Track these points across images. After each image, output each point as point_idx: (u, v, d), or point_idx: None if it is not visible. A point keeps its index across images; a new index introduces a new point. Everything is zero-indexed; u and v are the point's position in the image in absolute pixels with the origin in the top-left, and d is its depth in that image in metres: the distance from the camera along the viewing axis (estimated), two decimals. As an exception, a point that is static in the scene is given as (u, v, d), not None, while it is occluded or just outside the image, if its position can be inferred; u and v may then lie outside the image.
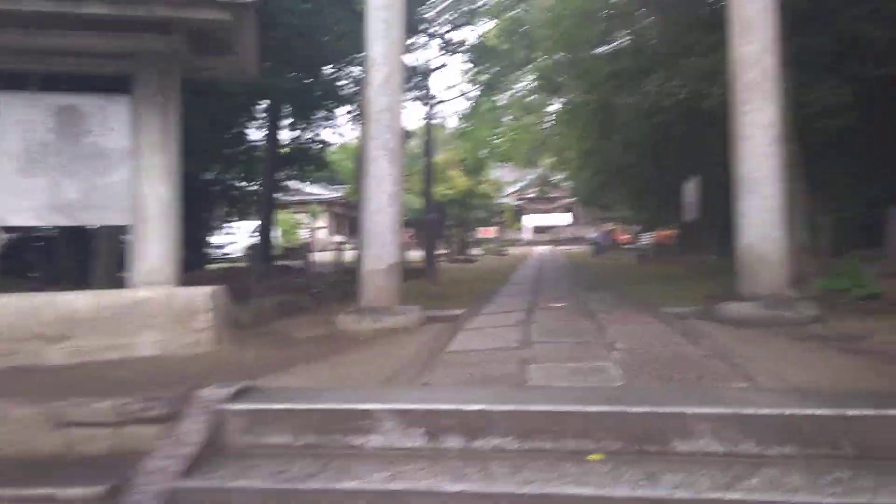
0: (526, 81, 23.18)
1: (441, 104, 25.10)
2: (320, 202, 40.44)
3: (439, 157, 34.46)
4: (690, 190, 16.71)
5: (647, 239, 19.75)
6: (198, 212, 15.31)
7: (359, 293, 6.07)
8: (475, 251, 33.55)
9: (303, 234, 48.80)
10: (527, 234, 61.77)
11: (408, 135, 14.54)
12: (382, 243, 5.90)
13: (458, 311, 6.90)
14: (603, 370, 3.45)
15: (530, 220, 62.94)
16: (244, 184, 16.60)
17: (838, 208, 10.89)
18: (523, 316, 6.02)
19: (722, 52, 9.38)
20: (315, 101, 15.39)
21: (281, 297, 8.21)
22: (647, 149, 15.93)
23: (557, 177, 57.24)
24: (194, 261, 15.57)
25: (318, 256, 27.46)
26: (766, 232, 5.46)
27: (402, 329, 5.62)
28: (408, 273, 14.14)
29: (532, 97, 28.37)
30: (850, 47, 9.69)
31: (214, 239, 22.47)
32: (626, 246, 20.98)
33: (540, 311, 6.52)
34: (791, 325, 4.96)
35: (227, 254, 28.46)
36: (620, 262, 19.83)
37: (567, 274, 14.74)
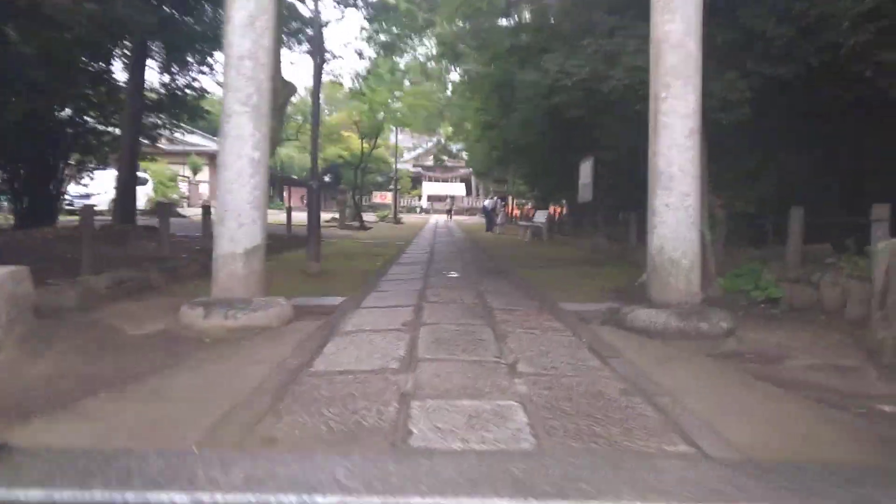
0: (427, 47, 22.04)
1: (336, 60, 23.46)
2: (201, 154, 37.13)
3: (334, 117, 32.75)
4: (585, 171, 16.55)
5: (540, 216, 19.57)
6: (44, 156, 13.10)
7: (212, 280, 4.94)
8: (370, 218, 32.40)
9: (182, 188, 45.16)
10: (423, 202, 61.24)
11: (291, 89, 13.09)
12: (240, 221, 4.80)
13: (336, 301, 5.95)
14: (507, 416, 2.67)
15: (427, 188, 62.40)
16: (103, 128, 14.43)
17: (731, 204, 10.93)
18: (411, 314, 5.17)
19: (623, 33, 8.94)
20: (189, 41, 13.54)
21: (126, 270, 6.81)
22: (545, 128, 15.50)
23: (455, 147, 57.19)
24: (43, 213, 13.38)
25: (193, 214, 25.23)
26: (681, 233, 4.93)
27: (260, 329, 4.59)
28: (291, 243, 12.92)
29: (432, 63, 27.43)
30: (750, 43, 9.57)
31: (74, 189, 19.87)
32: (520, 222, 20.76)
33: (430, 304, 5.71)
34: (705, 338, 4.47)
35: (91, 206, 25.27)
36: (514, 239, 19.58)
37: (461, 250, 14.11)
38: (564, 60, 12.08)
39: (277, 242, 12.63)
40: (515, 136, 16.43)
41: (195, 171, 48.95)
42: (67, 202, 24.29)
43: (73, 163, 14.73)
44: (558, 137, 16.05)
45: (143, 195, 28.23)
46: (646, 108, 5.37)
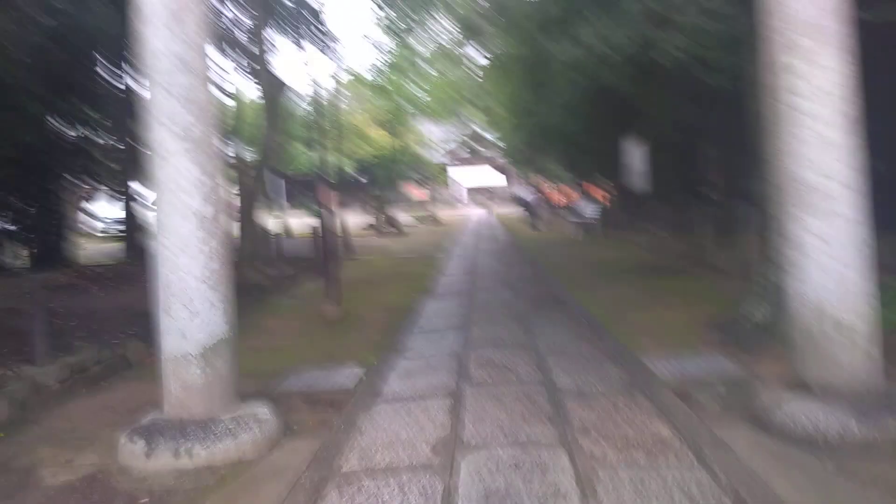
0: (450, 29, 20.39)
1: (347, 52, 22.02)
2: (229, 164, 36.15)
3: (356, 115, 31.42)
4: (635, 155, 14.67)
5: (588, 206, 17.75)
6: (36, 182, 12.00)
7: (162, 392, 3.51)
8: (406, 218, 31.03)
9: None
10: (461, 196, 59.62)
11: (280, 86, 11.59)
12: (193, 309, 3.34)
13: (350, 379, 4.50)
14: None
15: (464, 181, 60.70)
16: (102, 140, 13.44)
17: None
18: (446, 415, 3.64)
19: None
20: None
21: (91, 349, 5.45)
22: (588, 110, 13.68)
23: (489, 136, 55.28)
24: (46, 253, 12.37)
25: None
26: (850, 282, 3.23)
27: (229, 467, 3.14)
28: (319, 264, 11.59)
29: (458, 48, 25.79)
30: None
31: (109, 211, 19.06)
32: (570, 218, 18.99)
33: (474, 390, 4.15)
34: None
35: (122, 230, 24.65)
36: (564, 236, 17.84)
37: (507, 263, 12.49)
38: (606, 30, 10.34)
39: (301, 265, 11.32)
40: (555, 121, 14.62)
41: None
42: (102, 226, 23.70)
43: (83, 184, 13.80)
44: (604, 118, 14.24)
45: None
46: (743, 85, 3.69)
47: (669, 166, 14.63)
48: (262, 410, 3.56)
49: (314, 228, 15.56)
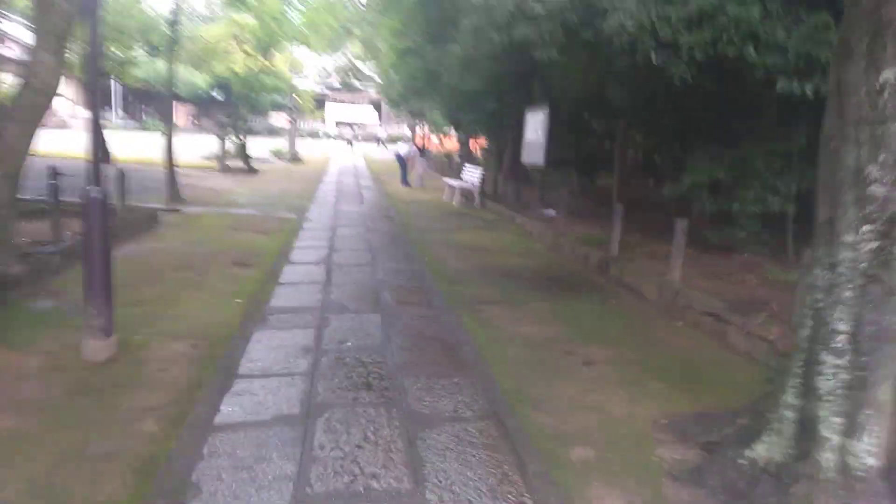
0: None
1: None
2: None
3: (212, 28, 26.73)
4: (535, 125, 12.91)
5: (471, 173, 15.86)
6: None
7: None
8: (263, 151, 27.31)
9: None
10: (329, 128, 55.56)
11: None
12: None
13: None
14: None
15: (333, 112, 56.60)
16: None
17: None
18: None
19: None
20: None
21: None
22: (484, 64, 11.55)
23: (366, 68, 51.42)
24: None
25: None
26: None
27: None
28: (134, 223, 8.54)
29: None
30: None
31: None
32: (447, 180, 16.96)
33: None
34: None
35: None
36: (438, 200, 15.84)
37: (372, 231, 10.27)
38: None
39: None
40: (445, 71, 12.30)
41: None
42: None
43: None
44: (505, 77, 12.23)
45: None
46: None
47: (572, 143, 13.09)
48: None
49: (168, 139, 12.08)
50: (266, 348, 4.59)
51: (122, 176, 9.76)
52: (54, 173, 7.77)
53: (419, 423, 3.49)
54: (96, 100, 4.38)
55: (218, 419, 3.43)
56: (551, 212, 12.42)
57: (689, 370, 4.58)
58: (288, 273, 7.06)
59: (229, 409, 3.56)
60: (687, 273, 6.58)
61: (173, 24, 12.73)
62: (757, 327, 4.78)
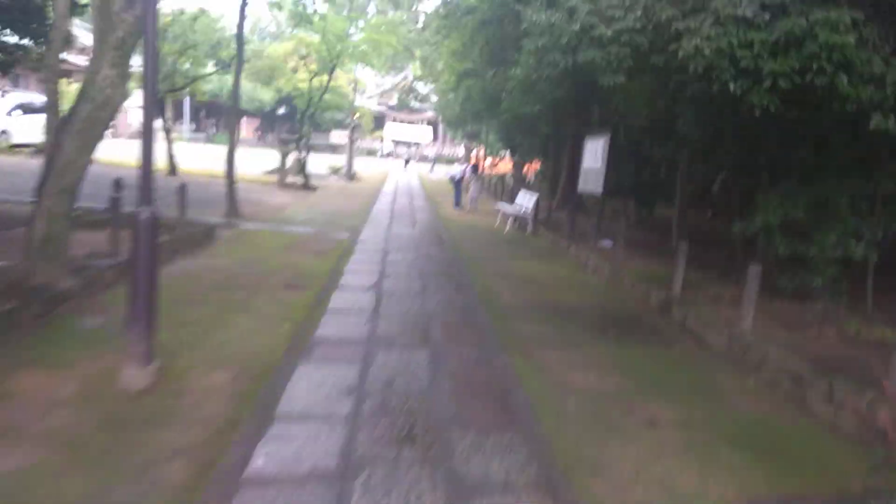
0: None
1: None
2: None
3: (277, 47, 27.42)
4: (594, 152, 12.52)
5: (525, 198, 15.48)
6: None
7: None
8: (320, 169, 27.70)
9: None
10: (386, 146, 56.23)
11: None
12: None
13: None
14: None
15: (390, 131, 57.27)
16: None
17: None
18: None
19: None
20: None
21: None
22: (544, 87, 11.25)
23: (424, 88, 51.94)
24: None
25: (113, 157, 20.59)
26: None
27: None
28: (193, 237, 8.58)
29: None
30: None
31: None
32: (500, 205, 16.64)
33: None
34: None
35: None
36: (490, 225, 15.53)
37: (419, 271, 10.06)
38: (613, 10, 7.89)
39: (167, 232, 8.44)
40: (513, 102, 12.07)
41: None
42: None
43: None
44: (566, 102, 11.92)
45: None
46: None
47: (631, 171, 12.63)
48: None
49: (230, 154, 12.29)
50: (308, 385, 4.38)
51: (183, 189, 9.90)
52: (118, 185, 7.89)
53: (466, 490, 3.19)
54: (151, 115, 4.31)
55: (249, 470, 3.22)
56: (608, 242, 11.95)
57: (766, 440, 4.11)
58: (337, 299, 6.89)
59: (262, 459, 3.34)
60: (757, 322, 6.07)
61: (239, 39, 12.95)
62: (847, 396, 4.27)
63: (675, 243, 12.05)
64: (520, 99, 11.23)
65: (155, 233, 4.20)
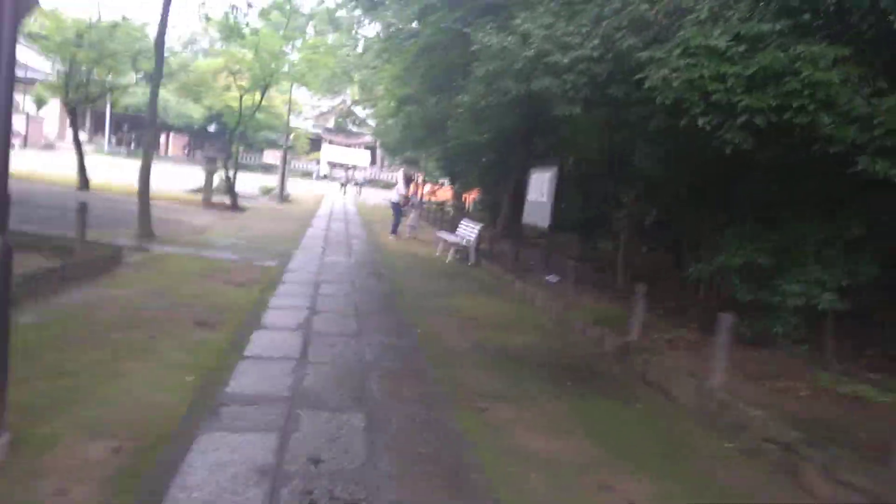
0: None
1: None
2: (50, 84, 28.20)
3: (208, 62, 26.15)
4: (540, 184, 12.10)
5: (467, 229, 14.86)
6: None
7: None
8: (250, 189, 26.33)
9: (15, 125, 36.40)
10: (322, 168, 54.95)
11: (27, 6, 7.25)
12: None
13: None
14: None
15: (327, 153, 56.11)
16: None
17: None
18: None
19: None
20: None
21: None
22: (492, 115, 10.77)
23: (363, 112, 51.27)
24: None
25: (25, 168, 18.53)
26: None
27: None
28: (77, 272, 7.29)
29: (343, 11, 21.77)
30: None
31: None
32: (440, 233, 15.93)
33: None
34: None
35: None
36: (430, 254, 14.80)
37: (354, 308, 9.22)
38: (558, 21, 7.47)
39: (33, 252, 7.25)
40: (460, 129, 11.49)
41: (39, 104, 39.76)
42: None
43: None
44: (514, 131, 11.46)
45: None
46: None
47: (579, 205, 12.25)
48: None
49: (144, 171, 10.94)
50: (210, 464, 3.45)
51: (83, 207, 8.69)
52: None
53: None
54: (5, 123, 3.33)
55: None
56: (553, 277, 11.47)
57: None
58: (257, 341, 5.95)
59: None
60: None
61: (159, 48, 11.88)
62: (850, 472, 3.74)
63: (620, 280, 11.71)
64: (467, 127, 10.67)
65: (7, 267, 3.20)
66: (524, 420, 4.80)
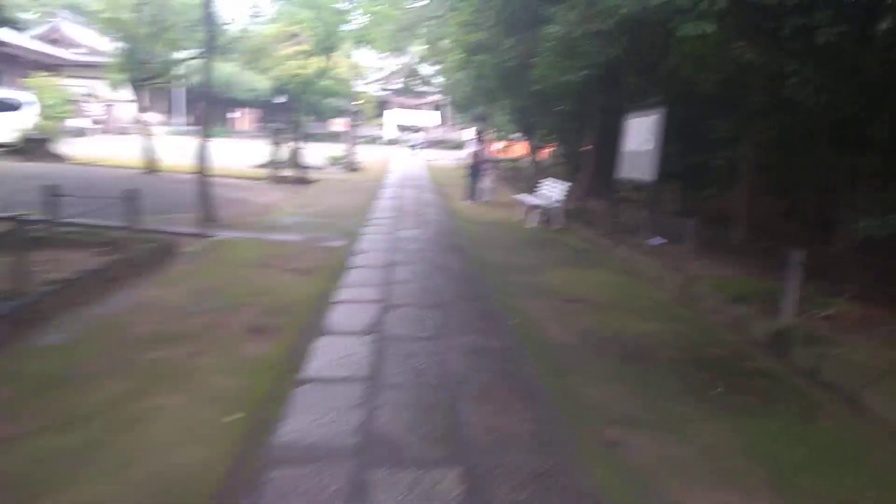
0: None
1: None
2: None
3: (269, 27, 25.22)
4: (643, 131, 10.37)
5: (553, 188, 13.30)
6: None
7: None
8: (321, 158, 25.60)
9: (88, 111, 37.30)
10: (389, 133, 53.97)
11: None
12: None
13: None
14: None
15: (394, 117, 54.98)
16: None
17: None
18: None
19: None
20: None
21: None
22: (572, 60, 9.06)
23: (429, 71, 49.56)
24: None
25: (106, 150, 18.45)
26: None
27: None
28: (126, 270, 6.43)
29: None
30: None
31: None
32: (522, 197, 14.41)
33: None
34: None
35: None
36: (508, 220, 13.37)
37: (432, 288, 8.02)
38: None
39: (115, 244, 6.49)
40: (548, 68, 9.80)
41: (114, 88, 40.45)
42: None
43: None
44: (597, 76, 9.73)
45: (18, 124, 21.05)
46: None
47: (680, 152, 10.41)
48: None
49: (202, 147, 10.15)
50: None
51: (134, 194, 7.88)
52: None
53: None
54: None
55: None
56: (659, 240, 9.86)
57: None
58: (319, 355, 4.82)
59: None
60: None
61: (208, 14, 10.87)
62: None
63: (740, 235, 9.95)
64: (556, 64, 9.02)
65: None
66: (675, 460, 3.46)
